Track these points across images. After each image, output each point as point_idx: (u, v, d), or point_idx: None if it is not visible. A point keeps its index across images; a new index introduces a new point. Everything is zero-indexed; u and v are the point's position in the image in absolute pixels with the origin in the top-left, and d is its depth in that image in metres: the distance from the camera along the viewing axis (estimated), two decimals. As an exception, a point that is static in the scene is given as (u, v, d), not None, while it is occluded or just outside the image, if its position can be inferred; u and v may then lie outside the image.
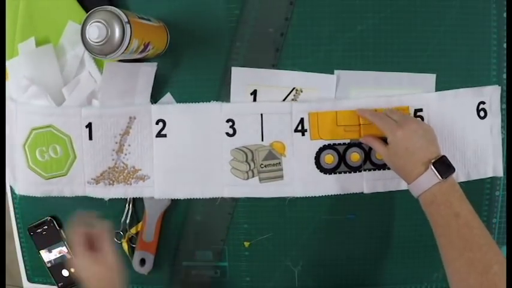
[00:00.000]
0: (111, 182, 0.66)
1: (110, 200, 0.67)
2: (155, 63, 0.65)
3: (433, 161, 0.55)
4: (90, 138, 0.66)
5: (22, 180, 0.68)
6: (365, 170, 0.65)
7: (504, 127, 0.66)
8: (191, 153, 0.66)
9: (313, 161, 0.65)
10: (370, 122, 0.62)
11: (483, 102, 0.65)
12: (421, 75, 0.64)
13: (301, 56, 0.65)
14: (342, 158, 0.65)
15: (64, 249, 0.71)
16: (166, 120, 0.65)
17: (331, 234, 0.68)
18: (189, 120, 0.65)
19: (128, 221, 0.69)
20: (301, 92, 0.65)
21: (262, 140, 0.65)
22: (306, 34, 0.64)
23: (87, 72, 0.65)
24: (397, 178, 0.60)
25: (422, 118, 0.64)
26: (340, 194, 0.66)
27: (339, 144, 0.65)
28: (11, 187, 0.70)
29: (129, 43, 0.51)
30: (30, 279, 0.73)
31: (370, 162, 0.65)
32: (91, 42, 0.51)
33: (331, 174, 0.65)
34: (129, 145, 0.66)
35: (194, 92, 0.66)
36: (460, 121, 0.65)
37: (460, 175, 0.65)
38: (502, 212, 0.67)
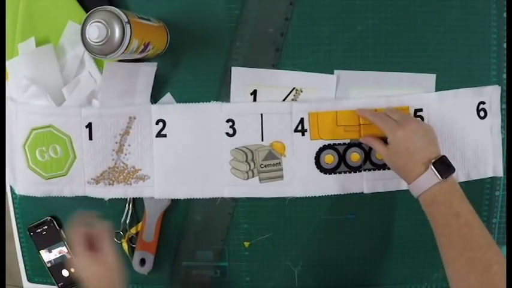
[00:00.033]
0: (111, 182, 0.66)
1: (110, 200, 0.67)
2: (155, 63, 0.65)
3: (433, 161, 0.55)
4: (90, 138, 0.66)
5: (22, 180, 0.68)
6: (365, 170, 0.65)
7: (504, 127, 0.66)
8: (191, 153, 0.66)
9: (313, 161, 0.65)
10: (370, 122, 0.62)
11: (483, 102, 0.65)
12: (421, 75, 0.64)
13: (301, 56, 0.65)
14: (342, 158, 0.65)
15: (64, 249, 0.71)
16: (166, 120, 0.65)
17: (331, 234, 0.68)
18: (189, 120, 0.65)
19: (128, 221, 0.69)
20: (301, 92, 0.65)
21: (262, 140, 0.65)
22: (306, 34, 0.64)
23: (87, 72, 0.65)
24: (397, 178, 0.60)
25: (422, 118, 0.64)
26: (340, 194, 0.66)
27: (339, 144, 0.65)
28: (11, 187, 0.70)
29: (129, 43, 0.51)
30: (30, 279, 0.73)
31: (370, 162, 0.65)
32: (91, 42, 0.51)
33: (331, 174, 0.65)
34: (129, 145, 0.66)
35: (194, 92, 0.66)
36: (460, 121, 0.65)
37: (460, 175, 0.65)
38: (502, 212, 0.67)
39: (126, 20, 0.51)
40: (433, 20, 0.64)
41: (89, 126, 0.65)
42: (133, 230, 0.69)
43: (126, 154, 0.66)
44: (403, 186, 0.63)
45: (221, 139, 0.65)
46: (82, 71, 0.66)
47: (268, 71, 0.65)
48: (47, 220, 0.70)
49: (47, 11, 0.65)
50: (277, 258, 0.69)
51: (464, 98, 0.65)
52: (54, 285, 0.72)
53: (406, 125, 0.57)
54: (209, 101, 0.65)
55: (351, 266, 0.68)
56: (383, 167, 0.65)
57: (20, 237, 0.72)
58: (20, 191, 0.68)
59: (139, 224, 0.69)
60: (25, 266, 0.73)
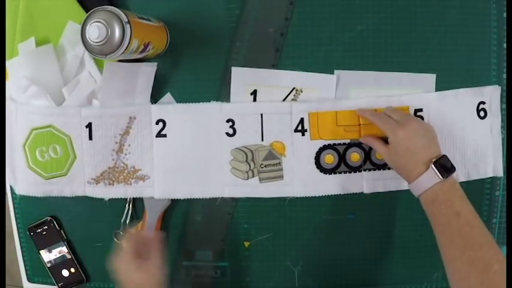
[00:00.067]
0: (111, 182, 0.66)
1: (110, 200, 0.67)
2: (155, 63, 0.65)
3: (434, 160, 0.55)
4: (90, 138, 0.66)
5: (22, 180, 0.68)
6: (365, 170, 0.65)
7: (504, 127, 0.66)
8: (191, 153, 0.66)
9: (313, 161, 0.65)
10: (370, 122, 0.62)
11: (483, 102, 0.65)
12: (421, 75, 0.64)
13: (301, 56, 0.65)
14: (342, 158, 0.65)
15: (64, 249, 0.71)
16: (166, 120, 0.65)
17: (331, 234, 0.68)
18: (189, 120, 0.65)
19: (127, 221, 0.69)
20: (301, 92, 0.65)
21: (262, 140, 0.65)
22: (306, 34, 0.64)
23: (87, 72, 0.65)
24: (397, 178, 0.60)
25: (422, 118, 0.64)
26: (340, 194, 0.66)
27: (339, 144, 0.65)
28: (11, 187, 0.70)
29: (129, 43, 0.51)
30: (30, 279, 0.73)
31: (370, 162, 0.65)
32: (91, 42, 0.51)
33: (331, 174, 0.65)
34: (129, 145, 0.66)
35: (194, 92, 0.66)
36: (460, 121, 0.65)
37: (460, 175, 0.65)
38: (502, 212, 0.67)
39: (126, 20, 0.51)
40: (433, 20, 0.64)
41: (89, 126, 0.65)
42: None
43: (126, 154, 0.66)
44: (403, 186, 0.63)
45: (221, 139, 0.65)
46: (82, 71, 0.66)
47: (268, 71, 0.65)
48: (47, 220, 0.70)
49: (47, 11, 0.65)
50: (277, 258, 0.69)
51: (464, 98, 0.65)
52: (54, 285, 0.72)
53: (406, 125, 0.57)
54: (209, 101, 0.65)
55: (351, 266, 0.68)
56: (383, 167, 0.65)
57: (20, 237, 0.72)
58: (20, 191, 0.68)
59: (140, 224, 0.68)
60: (25, 266, 0.73)
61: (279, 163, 0.65)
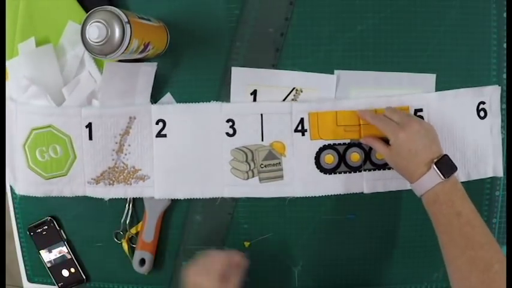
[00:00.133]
0: (111, 182, 0.66)
1: (110, 200, 0.67)
2: (155, 63, 0.65)
3: (435, 160, 0.55)
4: (90, 138, 0.66)
5: (22, 180, 0.68)
6: (365, 170, 0.65)
7: (504, 127, 0.66)
8: (191, 153, 0.66)
9: (313, 161, 0.65)
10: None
11: (483, 102, 0.65)
12: (421, 75, 0.64)
13: (301, 56, 0.65)
14: (342, 158, 0.65)
15: (64, 249, 0.71)
16: (166, 120, 0.65)
17: (331, 234, 0.68)
18: (189, 120, 0.65)
19: (128, 221, 0.69)
20: (301, 92, 0.65)
21: (262, 140, 0.65)
22: (306, 34, 0.64)
23: (87, 72, 0.65)
24: (396, 178, 0.60)
25: (422, 118, 0.64)
26: (340, 194, 0.66)
27: (339, 144, 0.65)
28: (11, 187, 0.70)
29: (129, 43, 0.51)
30: (30, 279, 0.73)
31: (370, 162, 0.65)
32: (91, 42, 0.51)
33: (331, 174, 0.65)
34: (129, 145, 0.66)
35: (194, 92, 0.66)
36: (460, 121, 0.65)
37: (460, 175, 0.65)
38: (502, 212, 0.67)
39: (126, 20, 0.51)
40: (433, 20, 0.64)
41: (89, 126, 0.65)
42: (133, 230, 0.69)
43: (126, 154, 0.66)
44: (403, 186, 0.63)
45: (221, 139, 0.65)
46: (82, 71, 0.66)
47: (268, 71, 0.65)
48: (47, 220, 0.70)
49: (47, 11, 0.65)
50: (277, 258, 0.69)
51: (464, 98, 0.65)
52: (54, 285, 0.72)
53: (407, 127, 0.57)
54: (209, 101, 0.65)
55: (351, 266, 0.68)
56: (383, 167, 0.65)
57: (20, 237, 0.72)
58: (20, 191, 0.68)
59: (139, 224, 0.69)
60: (25, 266, 0.73)
61: (279, 163, 0.65)
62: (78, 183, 0.67)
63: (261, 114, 0.65)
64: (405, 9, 0.64)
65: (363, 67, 0.64)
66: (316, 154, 0.65)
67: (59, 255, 0.71)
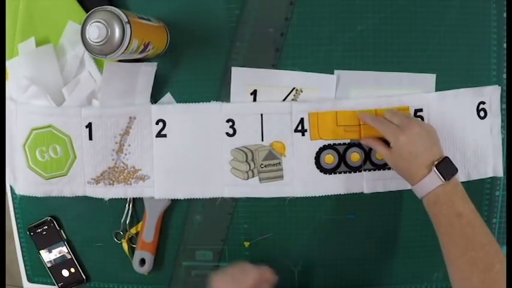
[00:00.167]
0: (111, 182, 0.66)
1: (110, 200, 0.67)
2: (155, 63, 0.65)
3: (436, 163, 0.55)
4: (90, 138, 0.66)
5: (22, 180, 0.68)
6: (365, 170, 0.65)
7: (504, 127, 0.66)
8: (191, 153, 0.66)
9: (313, 161, 0.65)
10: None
11: (483, 102, 0.65)
12: (421, 75, 0.64)
13: (301, 56, 0.65)
14: (342, 158, 0.65)
15: (64, 249, 0.71)
16: (166, 120, 0.65)
17: (331, 234, 0.68)
18: (189, 120, 0.65)
19: (128, 221, 0.69)
20: (301, 92, 0.65)
21: (262, 140, 0.65)
22: (306, 34, 0.64)
23: (87, 72, 0.65)
24: (396, 178, 0.60)
25: (422, 118, 0.64)
26: (340, 194, 0.66)
27: (339, 144, 0.65)
28: (11, 187, 0.70)
29: (129, 43, 0.51)
30: (30, 279, 0.73)
31: (370, 162, 0.65)
32: (91, 42, 0.51)
33: (331, 174, 0.65)
34: (129, 145, 0.66)
35: (194, 92, 0.66)
36: (460, 121, 0.65)
37: (460, 175, 0.64)
38: (502, 212, 0.67)
39: (126, 20, 0.51)
40: (433, 20, 0.64)
41: (89, 126, 0.65)
42: (133, 230, 0.69)
43: (126, 154, 0.66)
44: (403, 186, 0.63)
45: (221, 139, 0.65)
46: (82, 71, 0.66)
47: (268, 71, 0.65)
48: (47, 220, 0.70)
49: (47, 11, 0.65)
50: (277, 258, 0.69)
51: (464, 98, 0.65)
52: (54, 285, 0.72)
53: (407, 129, 0.57)
54: (209, 101, 0.65)
55: (351, 266, 0.68)
56: (383, 167, 0.65)
57: (20, 237, 0.72)
58: (20, 191, 0.68)
59: (140, 224, 0.69)
60: (25, 266, 0.73)
61: (279, 163, 0.65)
62: (78, 183, 0.67)
63: (261, 114, 0.65)
64: (405, 9, 0.64)
65: (363, 67, 0.64)
66: (316, 154, 0.65)
67: (59, 255, 0.71)
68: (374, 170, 0.65)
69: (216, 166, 0.66)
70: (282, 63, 0.65)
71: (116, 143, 0.66)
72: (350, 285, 0.69)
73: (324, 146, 0.65)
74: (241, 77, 0.65)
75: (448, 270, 0.54)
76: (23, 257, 0.73)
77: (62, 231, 0.70)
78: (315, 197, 0.66)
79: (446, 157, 0.56)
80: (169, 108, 0.65)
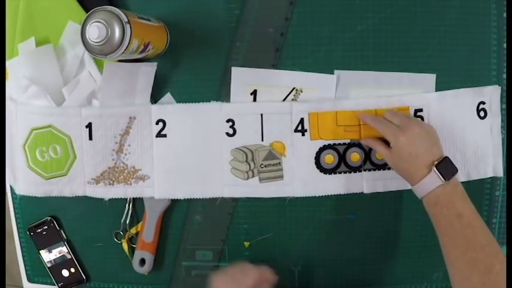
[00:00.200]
0: (111, 182, 0.66)
1: (110, 200, 0.67)
2: (155, 63, 0.65)
3: (436, 163, 0.55)
4: (90, 138, 0.66)
5: (22, 180, 0.68)
6: (365, 170, 0.65)
7: (504, 127, 0.66)
8: (191, 153, 0.66)
9: (313, 161, 0.65)
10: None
11: (483, 102, 0.65)
12: (421, 75, 0.64)
13: (301, 56, 0.65)
14: (342, 158, 0.65)
15: (64, 249, 0.71)
16: (166, 120, 0.65)
17: (331, 234, 0.68)
18: (189, 120, 0.65)
19: (128, 221, 0.69)
20: (301, 92, 0.65)
21: (262, 140, 0.65)
22: (306, 34, 0.64)
23: (87, 72, 0.65)
24: (396, 178, 0.60)
25: (422, 118, 0.64)
26: (340, 194, 0.66)
27: (339, 144, 0.65)
28: (11, 187, 0.70)
29: (129, 43, 0.51)
30: (30, 279, 0.73)
31: (370, 162, 0.65)
32: (91, 42, 0.51)
33: (331, 174, 0.65)
34: (129, 145, 0.66)
35: (194, 92, 0.66)
36: (460, 121, 0.65)
37: (460, 175, 0.64)
38: (502, 212, 0.67)
39: (126, 20, 0.51)
40: (433, 20, 0.64)
41: (89, 126, 0.65)
42: (133, 230, 0.69)
43: (126, 154, 0.66)
44: (403, 186, 0.63)
45: (221, 139, 0.65)
46: (82, 71, 0.66)
47: (268, 71, 0.65)
48: (47, 220, 0.70)
49: (47, 11, 0.65)
50: (277, 258, 0.69)
51: (464, 98, 0.65)
52: (54, 285, 0.72)
53: (407, 130, 0.57)
54: (209, 101, 0.65)
55: (351, 266, 0.68)
56: (383, 167, 0.65)
57: (20, 237, 0.72)
58: (20, 191, 0.68)
59: (139, 224, 0.69)
60: (25, 266, 0.73)
61: (279, 163, 0.65)
62: (78, 183, 0.67)
63: (261, 114, 0.65)
64: (405, 9, 0.64)
65: (363, 67, 0.64)
66: (316, 154, 0.65)
67: (59, 255, 0.71)
68: (374, 170, 0.65)
69: (216, 166, 0.66)
70: (282, 63, 0.65)
71: (116, 143, 0.66)
72: (350, 285, 0.69)
73: (324, 146, 0.65)
74: (241, 77, 0.65)
75: (448, 270, 0.54)
76: (23, 257, 0.73)
77: (62, 231, 0.70)
78: (315, 197, 0.66)
79: (446, 157, 0.56)
80: (169, 108, 0.65)
